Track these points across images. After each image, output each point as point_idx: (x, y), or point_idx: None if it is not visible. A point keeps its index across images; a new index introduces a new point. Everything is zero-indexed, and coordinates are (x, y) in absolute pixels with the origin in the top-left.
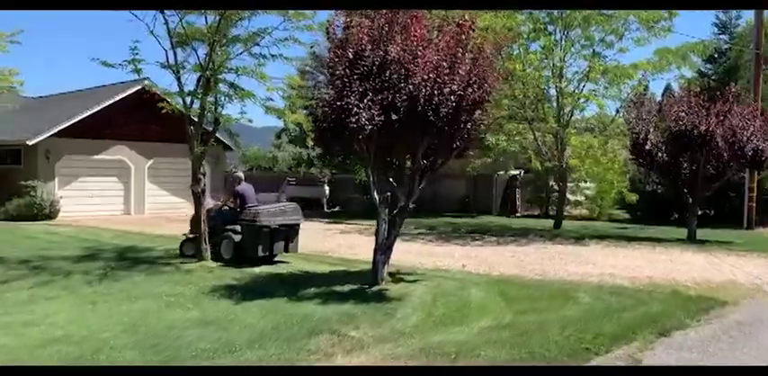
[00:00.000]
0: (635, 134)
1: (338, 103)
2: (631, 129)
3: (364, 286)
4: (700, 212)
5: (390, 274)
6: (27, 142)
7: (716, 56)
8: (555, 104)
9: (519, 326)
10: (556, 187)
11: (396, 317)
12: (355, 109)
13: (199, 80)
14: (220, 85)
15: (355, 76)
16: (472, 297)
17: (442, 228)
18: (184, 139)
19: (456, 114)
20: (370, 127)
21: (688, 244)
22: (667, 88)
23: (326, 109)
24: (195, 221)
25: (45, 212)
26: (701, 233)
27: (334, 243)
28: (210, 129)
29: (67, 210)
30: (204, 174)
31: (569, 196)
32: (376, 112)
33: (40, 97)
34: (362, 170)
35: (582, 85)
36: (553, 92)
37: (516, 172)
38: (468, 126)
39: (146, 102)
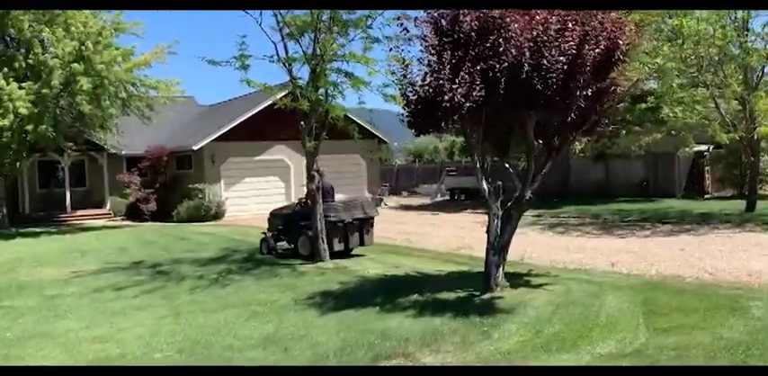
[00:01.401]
0: None
1: (429, 79)
2: None
3: (476, 293)
4: None
5: (515, 276)
6: (193, 147)
7: None
8: (738, 65)
9: (650, 352)
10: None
11: (492, 338)
12: (448, 84)
13: (313, 71)
14: (332, 74)
15: (447, 46)
16: (605, 307)
17: (610, 216)
18: (339, 136)
19: (568, 79)
20: (468, 104)
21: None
22: None
23: (417, 88)
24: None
25: (212, 213)
26: None
27: (472, 238)
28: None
29: (233, 211)
30: (319, 171)
31: None
32: (476, 86)
33: (212, 105)
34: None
35: None
36: (736, 50)
37: (704, 148)
38: (588, 93)
39: None
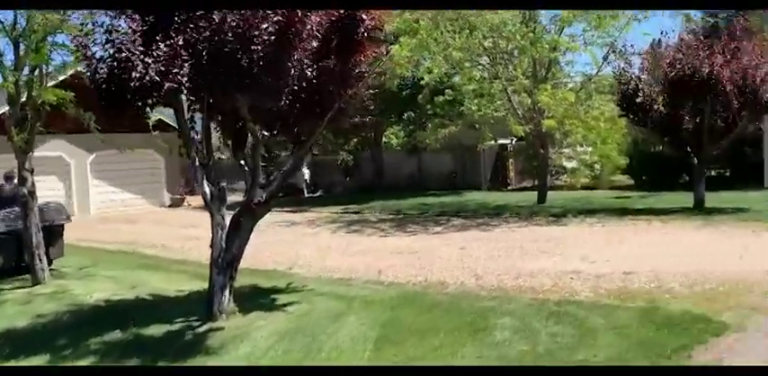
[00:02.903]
0: (623, 85)
1: (112, 51)
2: (618, 79)
3: (195, 323)
4: (713, 173)
5: (262, 294)
6: None
7: None
8: (528, 58)
9: None
10: (552, 154)
11: None
12: (138, 59)
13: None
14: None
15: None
16: (337, 336)
17: (411, 210)
18: (130, 128)
19: (279, 55)
20: (169, 85)
21: (694, 214)
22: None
23: (101, 63)
24: None
25: None
26: (714, 198)
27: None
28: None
29: None
30: (32, 171)
31: (566, 164)
32: (180, 62)
33: None
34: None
35: (560, 30)
36: (525, 42)
37: (507, 141)
38: (312, 74)
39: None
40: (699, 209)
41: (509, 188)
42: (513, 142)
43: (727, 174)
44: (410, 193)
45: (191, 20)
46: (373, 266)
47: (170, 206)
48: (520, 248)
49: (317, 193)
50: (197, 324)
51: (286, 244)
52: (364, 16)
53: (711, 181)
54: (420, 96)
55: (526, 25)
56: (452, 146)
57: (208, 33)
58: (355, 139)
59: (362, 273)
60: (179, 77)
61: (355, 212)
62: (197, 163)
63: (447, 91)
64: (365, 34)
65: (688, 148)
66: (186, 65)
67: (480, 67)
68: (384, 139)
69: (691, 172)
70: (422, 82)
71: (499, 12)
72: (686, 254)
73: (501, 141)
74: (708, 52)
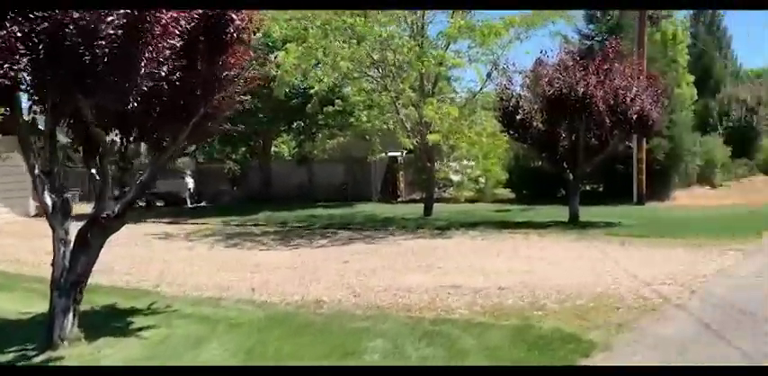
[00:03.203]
0: (504, 101)
1: None
2: (500, 96)
3: (31, 352)
4: (588, 188)
5: (119, 316)
6: None
7: (598, 15)
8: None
9: None
10: (438, 167)
11: None
12: None
13: None
14: None
15: None
16: (195, 364)
17: (298, 222)
18: None
19: (127, 51)
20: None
21: (569, 228)
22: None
23: None
24: None
25: None
26: (588, 212)
27: (128, 257)
28: None
29: None
30: None
31: (453, 177)
32: (16, 57)
33: None
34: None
35: (446, 45)
36: (412, 55)
37: (398, 153)
38: (174, 74)
39: None
40: (573, 222)
41: (399, 200)
42: (404, 154)
43: (601, 189)
44: (299, 205)
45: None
46: (248, 283)
47: (35, 216)
48: (403, 262)
49: (202, 203)
50: (33, 353)
51: (156, 258)
52: (234, 15)
53: (586, 195)
54: (309, 105)
55: (414, 39)
56: (343, 157)
57: (47, 25)
58: (243, 148)
59: (235, 292)
60: (12, 73)
61: (238, 224)
62: (36, 170)
63: (337, 101)
64: (235, 35)
65: (564, 164)
66: (24, 59)
67: (369, 79)
68: (274, 149)
69: (567, 187)
70: (311, 91)
71: (388, 24)
72: (560, 268)
73: (392, 153)
74: (583, 73)
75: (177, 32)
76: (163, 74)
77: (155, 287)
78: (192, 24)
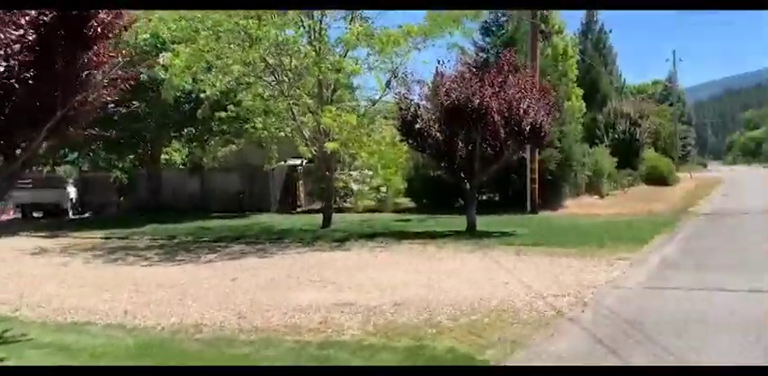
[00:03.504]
0: (403, 110)
1: None
2: (399, 105)
3: None
4: (485, 197)
5: None
6: None
7: (493, 28)
8: (314, 77)
9: None
10: (338, 176)
11: None
12: None
13: None
14: None
15: None
16: None
17: (188, 235)
18: None
19: None
20: None
21: (466, 238)
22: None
23: None
24: None
25: None
26: (484, 221)
27: None
28: None
29: None
30: None
31: (354, 186)
32: None
33: None
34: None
35: (345, 52)
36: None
37: (298, 161)
38: (24, 73)
39: None
40: (471, 232)
41: (299, 210)
42: (304, 163)
43: (497, 198)
44: (192, 216)
45: None
46: (122, 305)
47: None
48: (296, 278)
49: (85, 215)
50: None
51: (24, 277)
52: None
53: (483, 205)
54: (199, 111)
55: (311, 44)
56: (240, 165)
57: None
58: (131, 155)
59: (105, 315)
60: None
61: (122, 237)
62: None
63: (230, 107)
64: (99, 30)
65: (461, 174)
66: None
67: (265, 85)
68: (165, 156)
69: (465, 196)
70: (202, 95)
71: (284, 28)
72: (457, 280)
73: (291, 162)
74: (479, 84)
75: (24, 22)
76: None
77: (14, 311)
78: (50, 16)
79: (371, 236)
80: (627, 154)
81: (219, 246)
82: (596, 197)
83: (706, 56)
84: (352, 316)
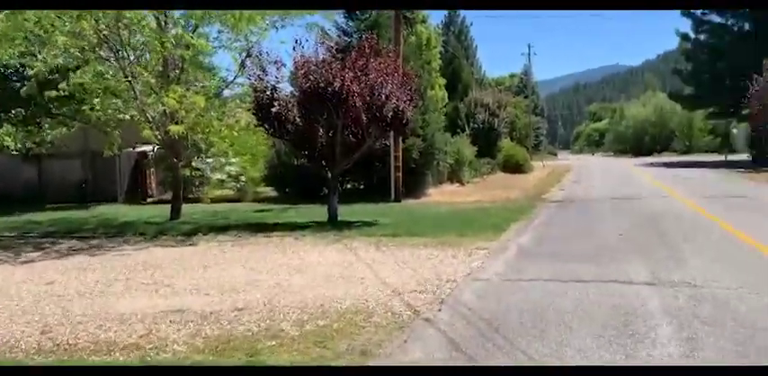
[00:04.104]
0: (259, 93)
1: None
2: (254, 87)
3: None
4: (349, 186)
5: None
6: None
7: (357, 13)
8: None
9: None
10: (194, 164)
11: None
12: None
13: None
14: None
15: None
16: None
17: (11, 230)
18: None
19: None
20: None
21: (327, 230)
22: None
23: None
24: None
25: None
26: (348, 210)
27: None
28: None
29: None
30: None
31: (211, 175)
32: None
33: None
34: None
35: (194, 28)
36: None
37: (149, 147)
38: None
39: None
40: (332, 223)
41: (149, 201)
42: (155, 149)
43: (362, 187)
44: (24, 207)
45: None
46: None
47: None
48: (125, 280)
49: None
50: None
51: None
52: None
53: (347, 193)
54: (24, 89)
55: (155, 18)
56: (82, 151)
57: None
58: None
59: None
60: None
61: None
62: None
63: (61, 85)
64: None
65: (323, 162)
66: None
67: (102, 61)
68: None
69: (327, 185)
70: (31, 72)
71: None
72: (311, 278)
73: (141, 148)
74: (340, 66)
75: None
76: None
77: None
78: None
79: (224, 228)
80: (486, 143)
81: (47, 243)
82: (458, 185)
83: (558, 52)
84: (181, 326)
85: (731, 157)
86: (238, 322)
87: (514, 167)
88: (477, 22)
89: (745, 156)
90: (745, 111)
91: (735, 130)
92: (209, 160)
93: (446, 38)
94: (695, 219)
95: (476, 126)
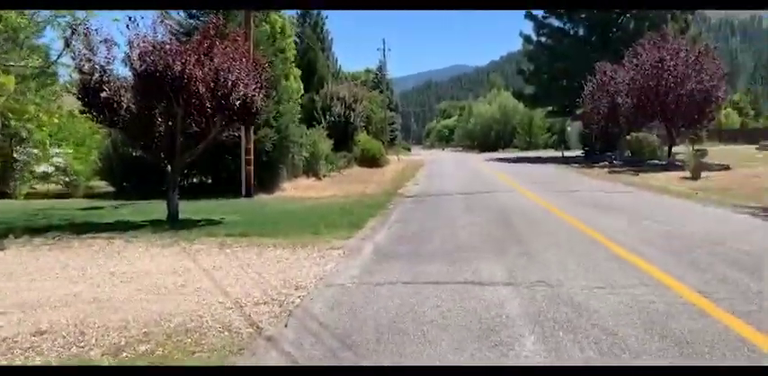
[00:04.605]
0: (85, 75)
1: None
2: (79, 68)
3: None
4: (195, 180)
5: None
6: None
7: None
8: None
9: None
10: (15, 155)
11: None
12: None
13: None
14: None
15: None
16: None
17: None
18: None
19: None
20: None
21: (165, 230)
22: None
23: None
24: None
25: None
26: (193, 207)
27: None
28: None
29: None
30: None
31: (37, 168)
32: None
33: None
34: None
35: None
36: None
37: None
38: None
39: None
40: (172, 222)
41: None
42: None
43: (210, 181)
44: None
45: None
46: None
47: None
48: None
49: None
50: None
51: None
52: None
53: (194, 189)
54: None
55: None
56: None
57: None
58: None
59: None
60: None
61: None
62: None
63: None
64: None
65: (162, 154)
66: None
67: None
68: None
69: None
70: None
71: None
72: (137, 289)
73: None
74: (182, 48)
75: None
76: None
77: None
78: None
79: (44, 229)
80: (343, 136)
81: None
82: (314, 179)
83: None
84: None
85: (567, 153)
86: (37, 350)
87: (371, 161)
88: (333, 16)
89: (578, 153)
90: (579, 111)
91: (569, 128)
92: (35, 151)
93: (302, 29)
94: (543, 214)
95: (332, 119)
